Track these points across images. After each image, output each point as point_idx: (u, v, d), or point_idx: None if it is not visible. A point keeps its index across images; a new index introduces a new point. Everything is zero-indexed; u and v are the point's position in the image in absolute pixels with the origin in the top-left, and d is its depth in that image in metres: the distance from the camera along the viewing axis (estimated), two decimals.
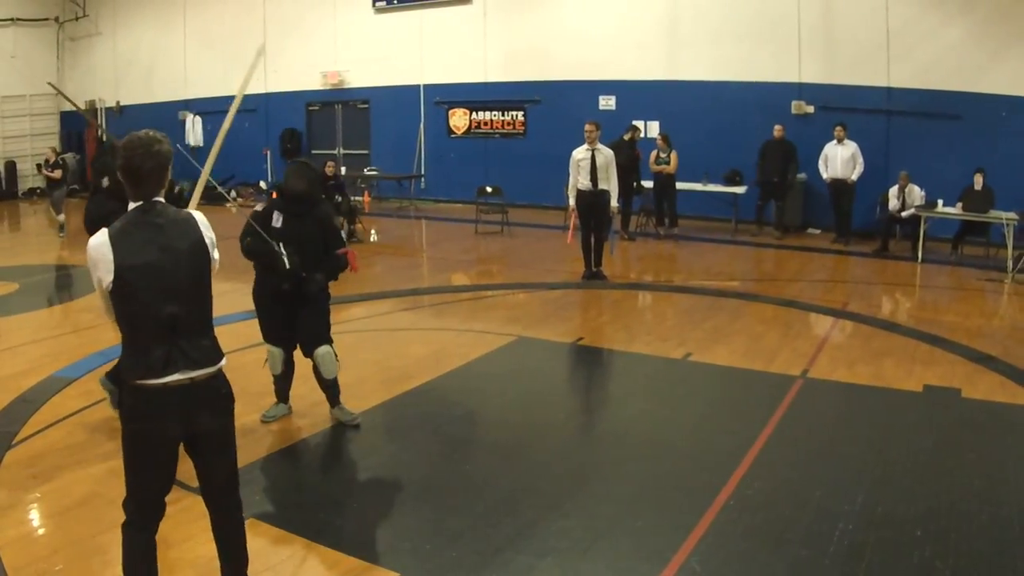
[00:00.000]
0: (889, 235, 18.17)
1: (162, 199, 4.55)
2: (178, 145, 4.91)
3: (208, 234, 4.62)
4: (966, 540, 5.99)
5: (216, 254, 4.68)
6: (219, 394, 4.65)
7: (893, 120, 19.66)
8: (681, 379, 10.07)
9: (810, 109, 20.72)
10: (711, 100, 21.60)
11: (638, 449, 7.85)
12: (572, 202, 15.01)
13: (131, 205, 4.52)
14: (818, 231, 20.51)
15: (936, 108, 18.92)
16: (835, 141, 19.23)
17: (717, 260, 17.84)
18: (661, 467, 7.40)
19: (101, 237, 4.39)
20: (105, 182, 8.78)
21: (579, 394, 10.05)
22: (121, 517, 4.65)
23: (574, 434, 8.45)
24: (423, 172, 26.93)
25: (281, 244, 7.77)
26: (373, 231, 20.69)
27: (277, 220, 8.03)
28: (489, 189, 21.76)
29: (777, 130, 19.77)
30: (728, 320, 12.45)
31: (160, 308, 4.38)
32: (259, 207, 8.35)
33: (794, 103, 20.80)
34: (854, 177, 19.08)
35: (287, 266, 7.67)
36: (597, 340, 11.63)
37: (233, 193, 27.82)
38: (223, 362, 4.66)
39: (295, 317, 8.00)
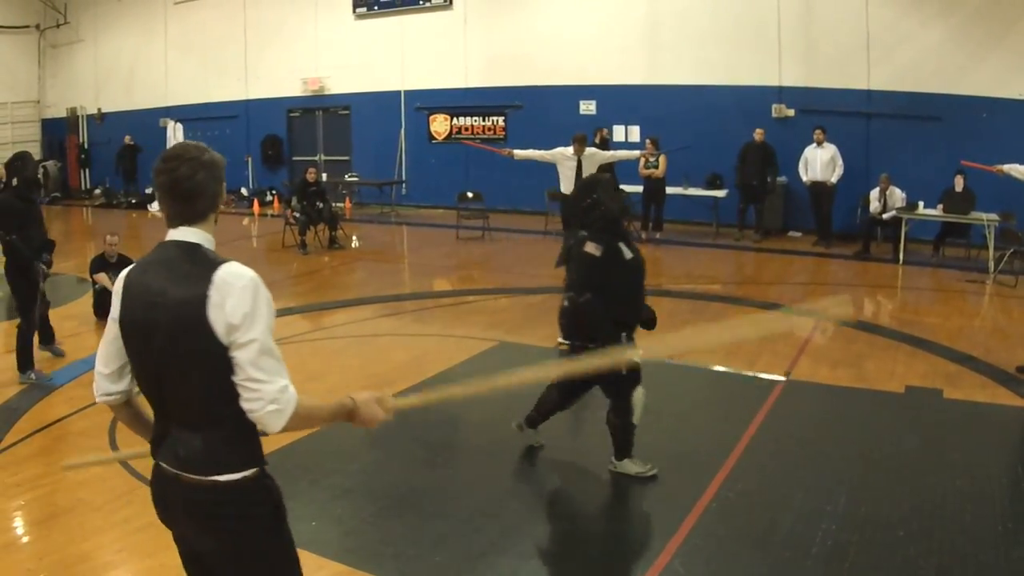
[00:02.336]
0: (870, 237, 18.18)
1: (202, 237, 3.38)
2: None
3: (224, 310, 3.17)
4: (950, 539, 6.00)
5: (243, 336, 3.17)
6: (218, 510, 3.33)
7: (873, 122, 19.70)
8: (663, 382, 10.01)
9: (790, 112, 20.75)
10: (691, 104, 21.60)
11: None
12: (516, 151, 15.39)
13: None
14: (799, 234, 20.52)
15: (916, 110, 18.97)
16: (815, 144, 19.26)
17: (699, 263, 17.85)
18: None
19: (123, 273, 3.45)
20: (14, 182, 9.54)
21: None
22: (105, 523, 4.60)
23: (555, 438, 8.39)
24: (404, 178, 26.86)
25: None
26: (354, 237, 20.63)
27: None
28: (470, 194, 21.78)
29: (757, 133, 19.76)
30: (710, 323, 12.42)
31: (143, 376, 3.42)
32: None
33: (774, 106, 20.83)
34: (834, 179, 19.13)
35: None
36: None
37: None
38: (227, 476, 3.29)
39: None
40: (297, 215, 18.73)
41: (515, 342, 11.43)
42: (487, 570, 5.68)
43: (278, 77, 28.16)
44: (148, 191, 28.87)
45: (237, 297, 3.15)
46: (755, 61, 20.94)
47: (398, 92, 26.61)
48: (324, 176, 25.07)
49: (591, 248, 6.70)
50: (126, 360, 3.45)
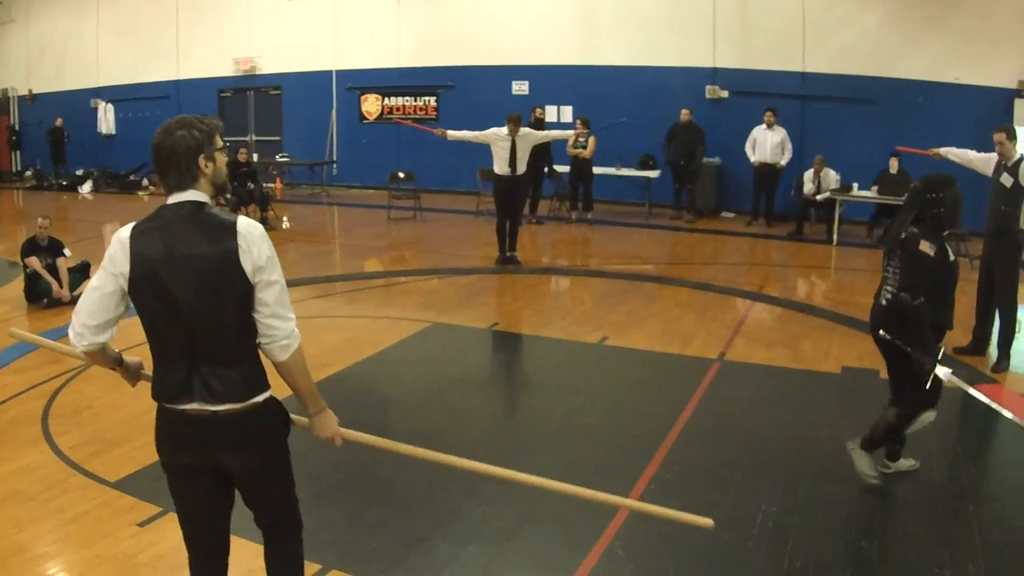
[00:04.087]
0: (804, 218, 18.29)
1: (200, 196, 3.85)
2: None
3: (251, 255, 3.75)
4: (891, 519, 5.98)
5: (267, 275, 3.79)
6: (248, 431, 3.92)
7: (808, 105, 19.78)
8: (598, 363, 9.96)
9: (724, 94, 20.78)
10: (625, 85, 21.59)
11: (557, 435, 7.74)
12: (449, 132, 15.11)
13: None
14: (732, 214, 20.57)
15: (851, 93, 19.08)
16: (764, 126, 19.27)
17: (631, 244, 17.82)
18: (580, 452, 7.28)
19: (124, 233, 3.79)
20: None
21: (495, 380, 9.88)
22: (40, 513, 4.40)
23: (492, 420, 8.32)
24: (335, 158, 26.65)
25: None
26: (285, 218, 20.35)
27: None
28: (401, 175, 21.57)
29: (684, 114, 19.77)
30: (644, 304, 12.37)
31: (171, 327, 3.77)
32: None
33: (708, 88, 20.85)
34: (783, 162, 19.21)
35: None
36: (512, 325, 11.50)
37: (145, 181, 27.51)
38: (260, 397, 3.91)
39: None
40: (228, 196, 18.44)
41: (448, 323, 11.27)
42: (425, 556, 5.55)
43: (209, 57, 27.76)
44: (79, 173, 28.56)
45: (258, 244, 3.75)
46: (690, 43, 20.95)
47: (330, 72, 26.33)
48: (255, 156, 24.78)
49: (925, 247, 6.41)
50: (114, 315, 3.85)
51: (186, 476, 4.00)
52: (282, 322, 3.86)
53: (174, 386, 3.80)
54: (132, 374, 4.27)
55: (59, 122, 29.22)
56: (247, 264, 3.72)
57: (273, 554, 4.37)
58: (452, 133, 14.92)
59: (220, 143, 3.94)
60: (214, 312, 3.73)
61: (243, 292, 3.74)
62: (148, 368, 4.09)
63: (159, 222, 3.78)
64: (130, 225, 3.81)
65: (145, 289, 3.71)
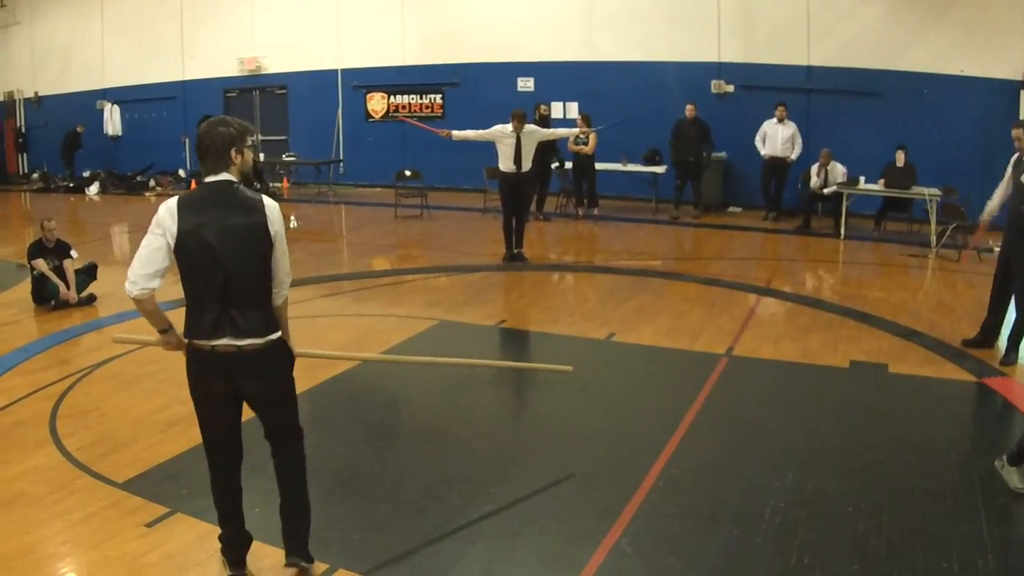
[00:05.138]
0: (811, 212, 18.24)
1: (231, 177, 4.95)
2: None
3: (274, 226, 4.95)
4: (899, 514, 5.92)
5: (281, 241, 5.02)
6: (267, 362, 5.00)
7: (813, 98, 19.73)
8: (605, 359, 9.94)
9: (730, 88, 20.76)
10: (630, 80, 21.56)
11: (564, 431, 7.70)
12: (454, 132, 15.05)
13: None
14: (739, 209, 20.55)
15: (857, 86, 19.07)
16: (775, 120, 19.25)
17: (638, 240, 17.78)
18: (588, 449, 7.25)
19: (171, 203, 4.88)
20: None
21: (503, 377, 9.85)
22: (48, 515, 4.40)
23: (499, 418, 8.30)
24: (341, 157, 26.64)
25: None
26: (292, 217, 20.31)
27: None
28: (408, 173, 21.52)
29: (689, 109, 19.69)
30: (651, 299, 12.35)
31: (210, 276, 4.82)
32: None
33: (714, 82, 20.85)
34: (793, 156, 19.19)
35: None
36: (520, 322, 11.49)
37: (152, 182, 27.57)
38: (275, 335, 5.01)
39: None
40: None
41: (455, 321, 11.26)
42: (433, 554, 5.54)
43: (214, 57, 27.79)
44: (86, 174, 28.60)
45: (276, 215, 4.98)
46: (694, 37, 20.92)
47: (335, 71, 26.35)
48: (261, 156, 24.75)
49: None
50: (162, 266, 4.84)
51: (213, 402, 5.04)
52: (287, 277, 5.14)
53: (208, 324, 4.86)
54: (176, 342, 5.16)
55: (80, 128, 29.15)
56: (271, 230, 4.91)
57: (282, 458, 5.36)
58: (456, 133, 14.88)
59: (249, 141, 5.04)
60: (246, 265, 4.86)
61: (267, 251, 4.92)
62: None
63: (201, 194, 4.92)
64: (175, 197, 4.93)
65: (190, 244, 4.77)
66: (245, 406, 5.16)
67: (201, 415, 5.13)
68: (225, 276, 4.81)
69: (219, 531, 5.28)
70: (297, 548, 5.31)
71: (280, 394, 5.23)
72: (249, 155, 5.07)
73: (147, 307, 4.96)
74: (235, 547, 5.28)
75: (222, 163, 4.92)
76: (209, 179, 4.95)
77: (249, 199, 4.94)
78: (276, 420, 5.27)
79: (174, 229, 4.79)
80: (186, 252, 4.80)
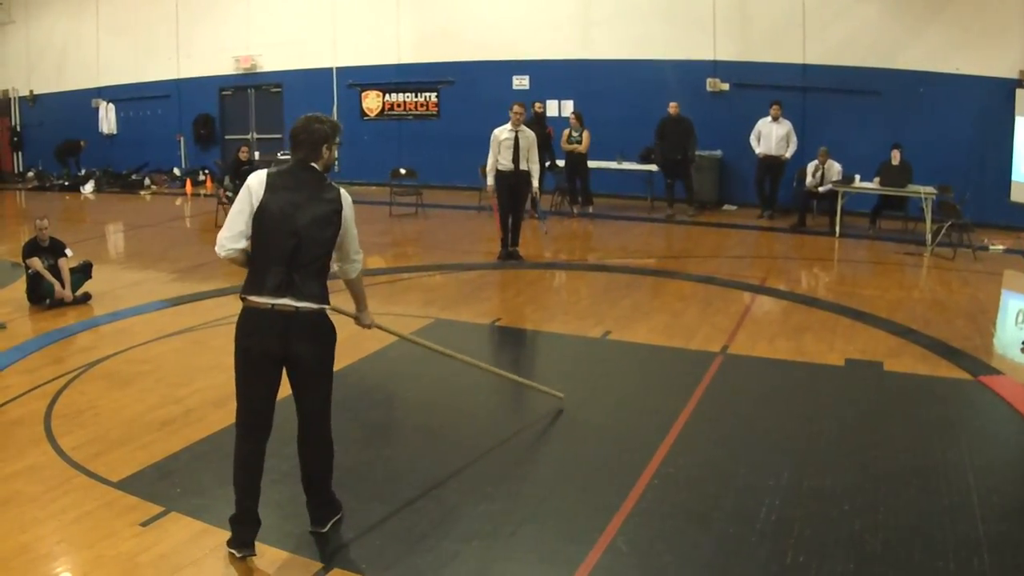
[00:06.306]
0: (806, 210, 18.24)
1: (318, 165, 5.47)
2: None
3: (347, 211, 5.47)
4: (895, 513, 5.92)
5: (353, 228, 5.58)
6: (318, 328, 5.42)
7: (809, 97, 19.75)
8: (601, 358, 9.94)
9: (725, 87, 20.77)
10: (626, 78, 21.60)
11: (559, 430, 7.71)
12: (491, 182, 14.80)
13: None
14: (734, 207, 20.57)
15: (852, 84, 19.09)
16: (770, 118, 19.28)
17: (633, 238, 17.80)
18: (583, 447, 7.27)
19: (261, 174, 5.42)
20: None
21: (498, 377, 9.87)
22: (43, 514, 4.38)
23: (494, 416, 8.29)
24: (336, 155, 26.50)
25: None
26: None
27: None
28: (403, 171, 21.56)
29: (672, 107, 19.65)
30: (646, 298, 12.36)
31: (283, 242, 5.26)
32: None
33: (709, 80, 20.85)
34: (788, 155, 19.20)
35: None
36: (515, 320, 11.49)
37: (147, 181, 27.56)
38: (326, 305, 5.43)
39: None
40: (230, 194, 18.36)
41: (451, 319, 11.27)
42: (428, 552, 5.52)
43: (210, 56, 27.76)
44: (81, 173, 28.56)
45: (349, 205, 5.51)
46: (690, 35, 20.93)
47: (330, 69, 26.33)
48: (257, 154, 24.79)
49: None
50: (244, 228, 5.32)
51: (258, 361, 5.35)
52: (359, 255, 5.73)
53: (272, 285, 5.26)
54: None
55: (83, 143, 29.24)
56: (345, 216, 5.45)
57: (311, 439, 5.65)
58: (489, 180, 14.89)
59: (338, 139, 5.58)
60: (317, 238, 5.34)
61: (336, 231, 5.42)
62: None
63: (291, 171, 5.46)
64: (264, 171, 5.44)
65: (273, 209, 5.27)
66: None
67: (242, 377, 5.43)
68: (297, 243, 5.27)
69: (216, 530, 5.28)
70: (318, 523, 5.79)
71: (324, 363, 5.55)
72: (335, 151, 5.61)
73: (238, 261, 5.43)
74: (247, 525, 5.45)
75: (314, 154, 5.45)
76: (297, 165, 5.48)
77: (329, 186, 5.45)
78: (315, 393, 5.57)
79: (261, 194, 5.31)
80: (267, 218, 5.28)
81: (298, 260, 5.28)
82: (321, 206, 5.37)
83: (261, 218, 5.29)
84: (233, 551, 5.40)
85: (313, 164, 5.46)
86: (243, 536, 5.40)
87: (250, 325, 5.36)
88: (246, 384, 5.43)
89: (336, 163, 26.08)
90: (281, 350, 5.33)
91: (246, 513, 5.42)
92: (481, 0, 23.85)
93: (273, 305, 5.26)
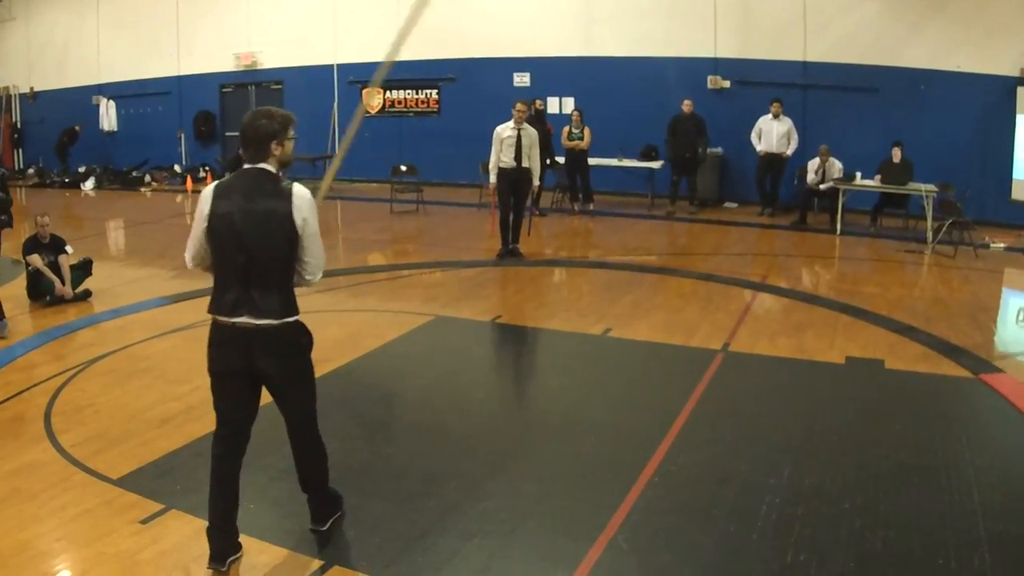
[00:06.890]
0: (807, 208, 18.24)
1: (268, 167, 5.20)
2: None
3: (301, 213, 5.13)
4: (895, 511, 5.91)
5: (310, 229, 5.19)
6: (281, 341, 5.20)
7: (810, 94, 19.74)
8: (601, 355, 9.93)
9: (726, 84, 20.75)
10: (627, 76, 21.57)
11: (560, 427, 7.69)
12: (493, 179, 14.80)
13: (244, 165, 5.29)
14: (735, 205, 20.56)
15: (853, 82, 19.05)
16: (771, 116, 19.26)
17: (634, 235, 17.78)
18: (584, 445, 7.24)
19: (208, 189, 5.21)
20: None
21: (499, 373, 9.85)
22: (42, 511, 4.39)
23: (495, 413, 8.27)
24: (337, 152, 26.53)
25: None
26: None
27: None
28: (404, 168, 21.56)
29: (686, 105, 19.66)
30: (647, 295, 12.35)
31: (234, 258, 5.08)
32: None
33: (710, 78, 20.83)
34: (789, 152, 19.20)
35: None
36: (516, 318, 11.47)
37: (148, 178, 27.54)
38: (291, 318, 5.22)
39: None
40: None
41: (451, 316, 11.26)
42: (427, 550, 5.52)
43: (210, 53, 27.75)
44: (81, 170, 28.54)
45: (306, 204, 5.15)
46: (691, 33, 20.91)
47: (331, 66, 26.28)
48: None
49: None
50: (199, 247, 5.22)
51: (228, 378, 5.25)
52: (317, 259, 5.30)
53: (230, 303, 5.11)
54: None
55: (78, 127, 29.19)
56: (298, 219, 5.10)
57: (300, 445, 5.59)
58: (492, 177, 14.90)
59: (291, 133, 5.27)
60: (268, 250, 5.08)
61: (291, 239, 5.11)
62: None
63: (234, 181, 5.21)
64: (213, 184, 5.24)
65: (221, 228, 5.06)
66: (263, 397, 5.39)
67: (216, 391, 5.33)
68: (248, 259, 5.06)
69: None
70: (318, 521, 5.76)
71: (295, 374, 5.39)
72: (290, 146, 5.31)
73: (211, 271, 5.31)
74: (219, 540, 5.31)
75: (262, 154, 5.18)
76: (246, 167, 5.22)
77: (277, 188, 5.16)
78: (292, 402, 5.44)
79: (207, 212, 5.12)
80: (215, 235, 5.11)
81: (252, 275, 5.10)
82: (267, 212, 5.08)
83: (211, 235, 5.14)
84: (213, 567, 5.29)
85: (263, 165, 5.20)
86: (216, 549, 5.30)
87: (216, 342, 5.25)
88: (217, 396, 5.33)
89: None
90: (247, 365, 5.19)
91: (219, 530, 5.31)
92: None
93: (234, 323, 5.14)
